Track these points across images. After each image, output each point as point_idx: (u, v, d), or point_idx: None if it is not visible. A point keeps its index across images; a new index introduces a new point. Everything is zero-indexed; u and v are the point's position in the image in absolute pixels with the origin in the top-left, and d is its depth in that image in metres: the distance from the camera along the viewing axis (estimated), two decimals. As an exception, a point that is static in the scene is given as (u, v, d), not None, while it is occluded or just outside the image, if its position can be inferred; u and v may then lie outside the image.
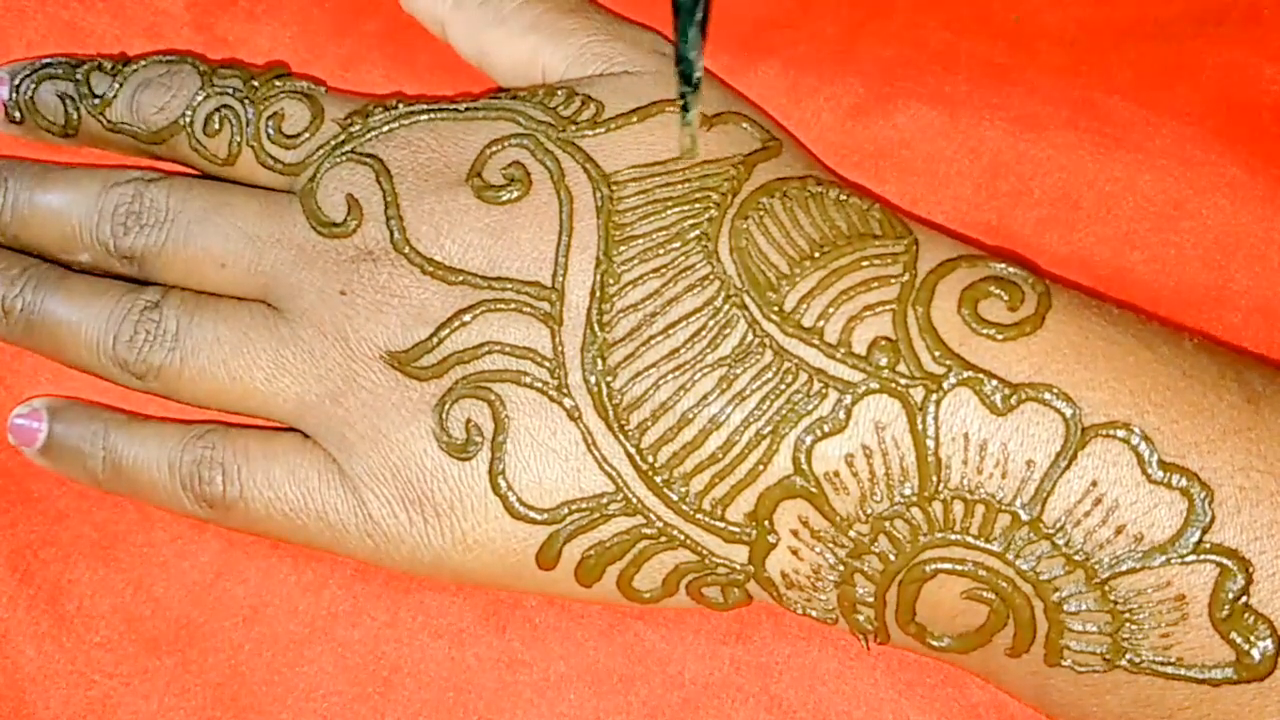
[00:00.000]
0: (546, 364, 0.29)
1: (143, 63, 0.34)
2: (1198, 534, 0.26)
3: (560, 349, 0.29)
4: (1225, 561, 0.26)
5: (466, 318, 0.29)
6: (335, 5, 0.36)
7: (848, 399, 0.27)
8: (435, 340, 0.29)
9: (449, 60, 0.35)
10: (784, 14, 0.37)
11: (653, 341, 0.28)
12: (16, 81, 0.34)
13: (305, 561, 0.32)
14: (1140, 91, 0.35)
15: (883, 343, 0.27)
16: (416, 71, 0.36)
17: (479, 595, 0.32)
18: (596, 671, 0.31)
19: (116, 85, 0.33)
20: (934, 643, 0.28)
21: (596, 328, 0.29)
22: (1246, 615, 0.26)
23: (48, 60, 0.34)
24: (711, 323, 0.28)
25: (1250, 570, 0.26)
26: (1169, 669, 0.26)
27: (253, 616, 0.32)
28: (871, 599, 0.28)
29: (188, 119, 0.32)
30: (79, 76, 0.33)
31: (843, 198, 0.30)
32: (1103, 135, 0.34)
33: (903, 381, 0.27)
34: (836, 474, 0.27)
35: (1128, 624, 0.26)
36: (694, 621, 0.32)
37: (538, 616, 0.32)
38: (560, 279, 0.29)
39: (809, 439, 0.27)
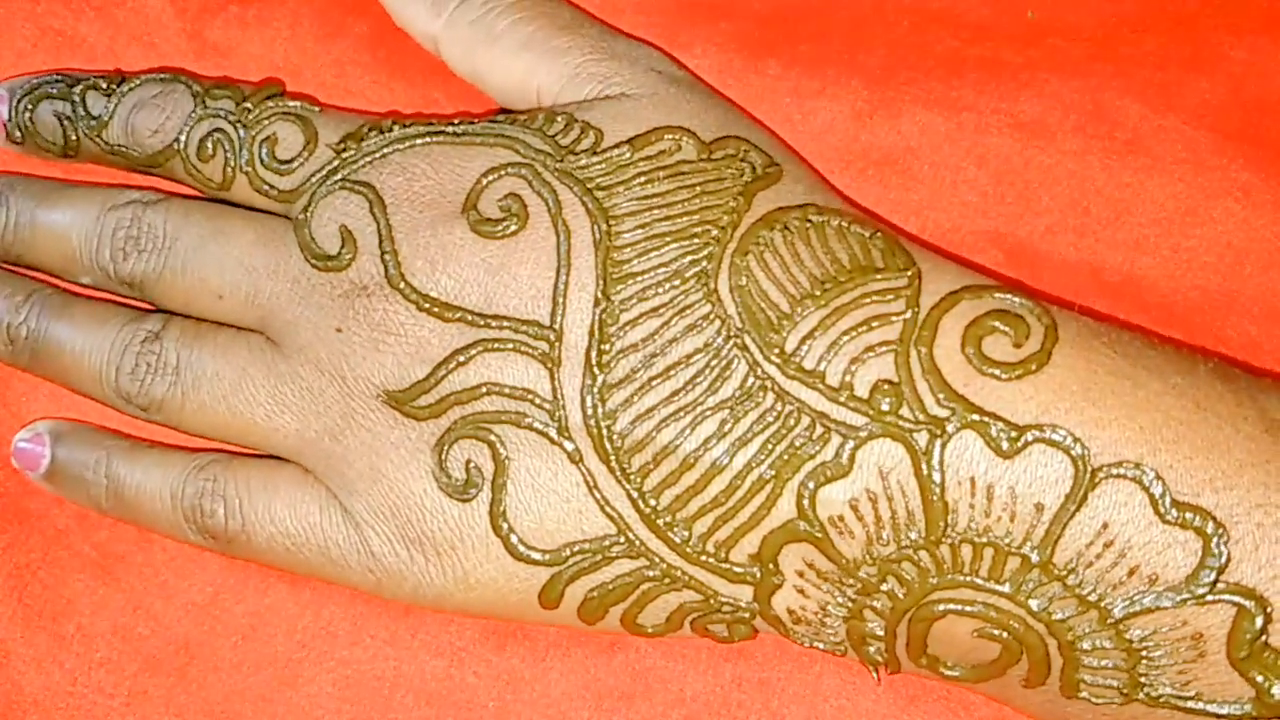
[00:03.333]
0: (546, 406, 0.28)
1: (137, 82, 0.33)
2: (1213, 574, 0.25)
3: (560, 391, 0.28)
4: (1243, 601, 0.25)
5: (463, 358, 0.29)
6: (325, 11, 0.36)
7: (850, 444, 0.27)
8: (433, 380, 0.29)
9: (440, 65, 0.34)
10: (787, 16, 0.36)
11: (653, 384, 0.28)
12: (15, 100, 0.33)
13: (304, 581, 0.32)
14: (1155, 89, 0.34)
15: (885, 386, 0.27)
16: (408, 77, 0.35)
17: (479, 614, 0.32)
18: (597, 689, 0.31)
19: (111, 106, 0.33)
20: (947, 672, 0.28)
21: (596, 369, 0.28)
22: (1267, 654, 0.25)
23: (45, 78, 0.34)
24: (713, 364, 0.28)
25: (1269, 609, 0.25)
26: (1188, 704, 0.26)
27: (251, 635, 0.32)
28: (881, 633, 0.28)
29: (181, 143, 0.32)
30: (75, 97, 0.33)
31: (844, 226, 0.29)
32: (1112, 140, 0.34)
33: (906, 425, 0.27)
34: (841, 518, 0.27)
35: (1144, 661, 0.26)
36: (695, 640, 0.31)
37: (538, 634, 0.32)
38: (559, 319, 0.29)
39: (812, 484, 0.27)
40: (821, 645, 0.29)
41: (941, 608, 0.27)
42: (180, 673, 0.32)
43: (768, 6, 0.36)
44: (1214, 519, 0.25)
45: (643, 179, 0.29)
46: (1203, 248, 0.33)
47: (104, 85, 0.33)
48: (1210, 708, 0.26)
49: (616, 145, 0.30)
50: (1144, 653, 0.26)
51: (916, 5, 0.36)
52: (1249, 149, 0.34)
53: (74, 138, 0.33)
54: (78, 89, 0.33)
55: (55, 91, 0.33)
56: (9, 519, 0.33)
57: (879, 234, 0.29)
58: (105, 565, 0.33)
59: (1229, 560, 0.25)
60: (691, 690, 0.31)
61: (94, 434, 0.33)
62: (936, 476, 0.26)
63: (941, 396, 0.27)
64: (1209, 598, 0.25)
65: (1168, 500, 0.26)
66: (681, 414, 0.28)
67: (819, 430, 0.27)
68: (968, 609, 0.27)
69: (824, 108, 0.35)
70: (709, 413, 0.28)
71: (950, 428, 0.26)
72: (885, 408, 0.27)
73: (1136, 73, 0.34)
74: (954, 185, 0.34)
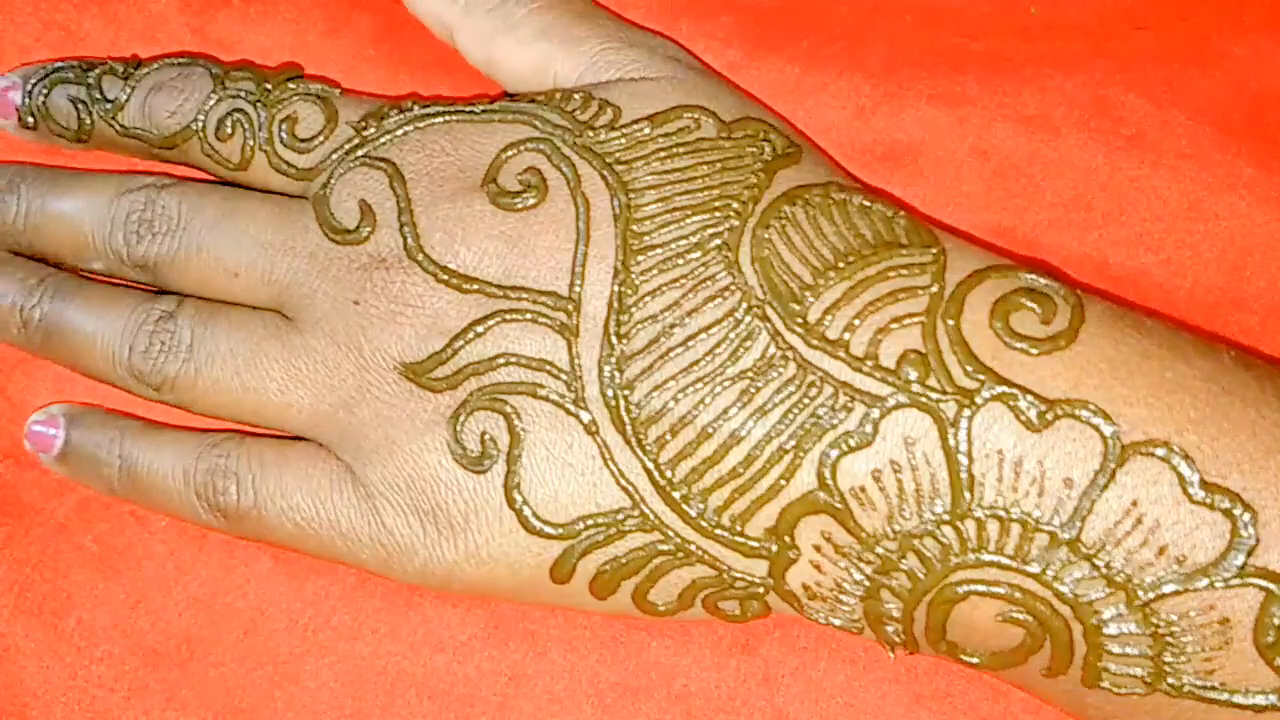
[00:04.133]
0: (563, 376, 0.28)
1: (155, 66, 0.33)
2: (1242, 557, 0.25)
3: (577, 361, 0.28)
4: (1270, 586, 0.25)
5: (480, 329, 0.29)
6: (330, 5, 0.36)
7: (875, 413, 0.27)
8: (450, 351, 0.29)
9: (446, 57, 0.35)
10: (790, 11, 0.36)
11: (672, 354, 0.28)
12: (29, 86, 0.33)
13: (305, 574, 0.32)
14: (1159, 84, 0.34)
15: (912, 356, 0.27)
16: (414, 71, 0.35)
17: (481, 608, 0.32)
18: (600, 685, 0.31)
19: (129, 89, 0.33)
20: (966, 659, 0.28)
21: (614, 339, 0.28)
22: None
23: (59, 64, 0.34)
24: (733, 335, 0.28)
25: None
26: (1211, 694, 0.26)
27: (253, 630, 0.32)
28: (899, 615, 0.27)
29: (200, 124, 0.32)
30: (90, 80, 0.33)
31: (866, 204, 0.29)
32: (1116, 135, 0.34)
33: (934, 396, 0.26)
34: (863, 489, 0.27)
35: (1170, 648, 0.26)
36: (699, 634, 0.31)
37: (540, 629, 0.31)
38: (577, 289, 0.28)
39: (834, 453, 0.27)
40: (838, 622, 0.28)
41: (964, 589, 0.26)
42: (181, 667, 0.31)
43: (770, 2, 0.36)
44: (1242, 501, 0.25)
45: (662, 154, 0.29)
46: (1206, 243, 0.33)
47: (120, 70, 0.33)
48: (1234, 698, 0.26)
49: (635, 121, 0.30)
50: (1170, 639, 0.26)
51: (919, 1, 0.36)
52: (1253, 144, 0.34)
53: (88, 122, 0.33)
54: (93, 74, 0.33)
55: (70, 77, 0.33)
56: (9, 512, 0.33)
57: (902, 213, 0.29)
58: (106, 559, 0.32)
59: (1257, 543, 0.25)
60: (695, 685, 0.31)
61: (108, 416, 0.33)
62: (964, 448, 0.26)
63: (970, 368, 0.26)
64: (1236, 582, 0.25)
65: (1196, 480, 0.25)
66: (700, 384, 0.28)
67: (842, 400, 0.27)
68: (993, 590, 0.26)
69: (827, 103, 0.35)
70: (728, 383, 0.27)
71: (979, 399, 0.26)
72: (912, 377, 0.26)
73: (1140, 68, 0.34)
74: (957, 180, 0.34)
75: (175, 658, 0.32)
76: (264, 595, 0.32)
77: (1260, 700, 0.26)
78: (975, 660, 0.28)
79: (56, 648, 0.32)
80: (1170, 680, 0.26)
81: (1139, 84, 0.34)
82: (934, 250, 0.28)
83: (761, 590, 0.28)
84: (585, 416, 0.28)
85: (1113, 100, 0.34)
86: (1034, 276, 0.28)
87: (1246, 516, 0.25)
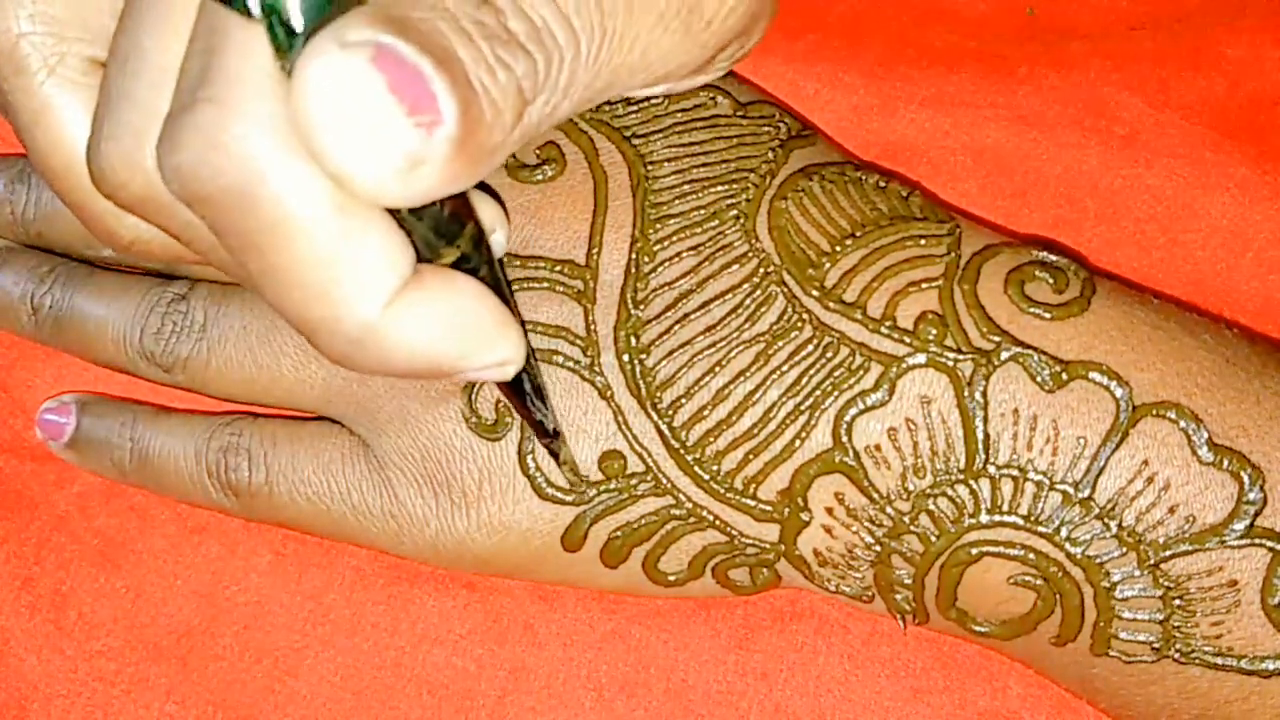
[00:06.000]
0: (579, 343, 0.28)
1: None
2: (1249, 518, 0.26)
3: (593, 328, 0.28)
4: (1277, 547, 0.26)
5: None
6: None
7: (893, 372, 0.27)
8: None
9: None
10: (786, 12, 0.36)
11: (688, 319, 0.28)
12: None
13: (305, 568, 0.32)
14: (1153, 84, 0.35)
15: (930, 317, 0.27)
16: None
17: (480, 603, 0.32)
18: (599, 679, 0.31)
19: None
20: (975, 628, 0.28)
21: (630, 305, 0.28)
22: None
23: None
24: (749, 299, 0.28)
25: None
26: (1218, 659, 0.26)
27: (252, 623, 0.32)
28: (910, 580, 0.28)
29: None
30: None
31: (882, 184, 0.30)
32: (1109, 134, 0.34)
33: (950, 356, 0.27)
34: (878, 448, 0.27)
35: (1179, 612, 0.26)
36: (698, 628, 0.31)
37: (539, 623, 0.31)
38: (595, 257, 0.29)
39: (851, 412, 0.27)
40: (848, 590, 0.29)
41: (977, 550, 0.27)
42: (181, 661, 0.31)
43: (768, 5, 0.37)
44: (1249, 463, 0.26)
45: (679, 128, 0.30)
46: (1199, 242, 0.34)
47: None
48: (1241, 663, 0.26)
49: (651, 97, 0.30)
50: (1180, 602, 0.26)
51: (915, 1, 0.36)
52: (1246, 144, 0.34)
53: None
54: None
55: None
56: (10, 506, 0.33)
57: (917, 192, 0.30)
58: (107, 553, 0.32)
59: (1264, 505, 0.26)
60: (694, 679, 0.31)
61: (119, 403, 0.33)
62: (980, 407, 0.26)
63: (985, 330, 0.27)
64: (1244, 542, 0.26)
65: (1205, 442, 0.26)
66: (716, 348, 0.28)
67: (859, 360, 0.27)
68: (1006, 551, 0.27)
69: (822, 103, 0.35)
70: (744, 346, 0.28)
71: (996, 360, 0.27)
72: (930, 337, 0.27)
73: (1134, 68, 0.35)
74: (952, 180, 0.34)
75: (175, 651, 0.32)
76: (264, 589, 0.32)
77: (1269, 665, 0.26)
78: (984, 629, 0.28)
79: (56, 641, 0.32)
80: (1179, 646, 0.26)
81: (1134, 84, 0.35)
82: (949, 224, 0.29)
83: (772, 557, 0.28)
84: (600, 382, 0.28)
85: (1108, 100, 0.34)
86: (1045, 253, 0.28)
87: (1254, 478, 0.26)
